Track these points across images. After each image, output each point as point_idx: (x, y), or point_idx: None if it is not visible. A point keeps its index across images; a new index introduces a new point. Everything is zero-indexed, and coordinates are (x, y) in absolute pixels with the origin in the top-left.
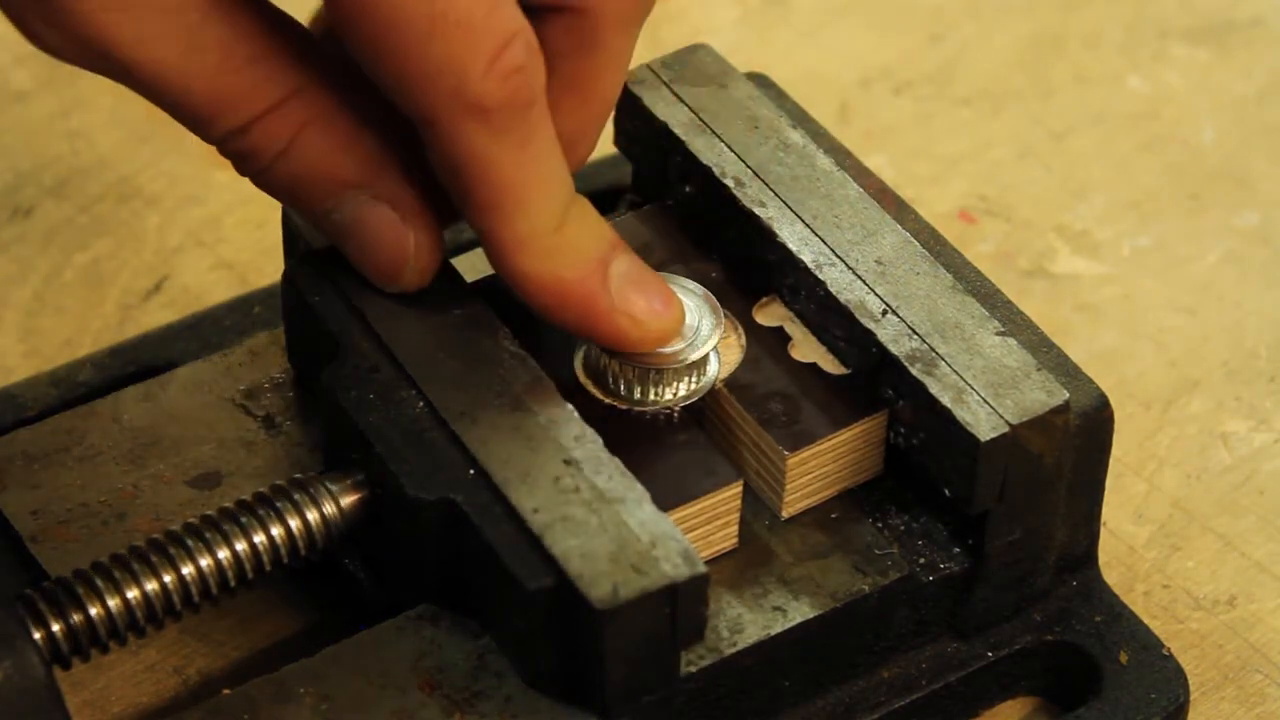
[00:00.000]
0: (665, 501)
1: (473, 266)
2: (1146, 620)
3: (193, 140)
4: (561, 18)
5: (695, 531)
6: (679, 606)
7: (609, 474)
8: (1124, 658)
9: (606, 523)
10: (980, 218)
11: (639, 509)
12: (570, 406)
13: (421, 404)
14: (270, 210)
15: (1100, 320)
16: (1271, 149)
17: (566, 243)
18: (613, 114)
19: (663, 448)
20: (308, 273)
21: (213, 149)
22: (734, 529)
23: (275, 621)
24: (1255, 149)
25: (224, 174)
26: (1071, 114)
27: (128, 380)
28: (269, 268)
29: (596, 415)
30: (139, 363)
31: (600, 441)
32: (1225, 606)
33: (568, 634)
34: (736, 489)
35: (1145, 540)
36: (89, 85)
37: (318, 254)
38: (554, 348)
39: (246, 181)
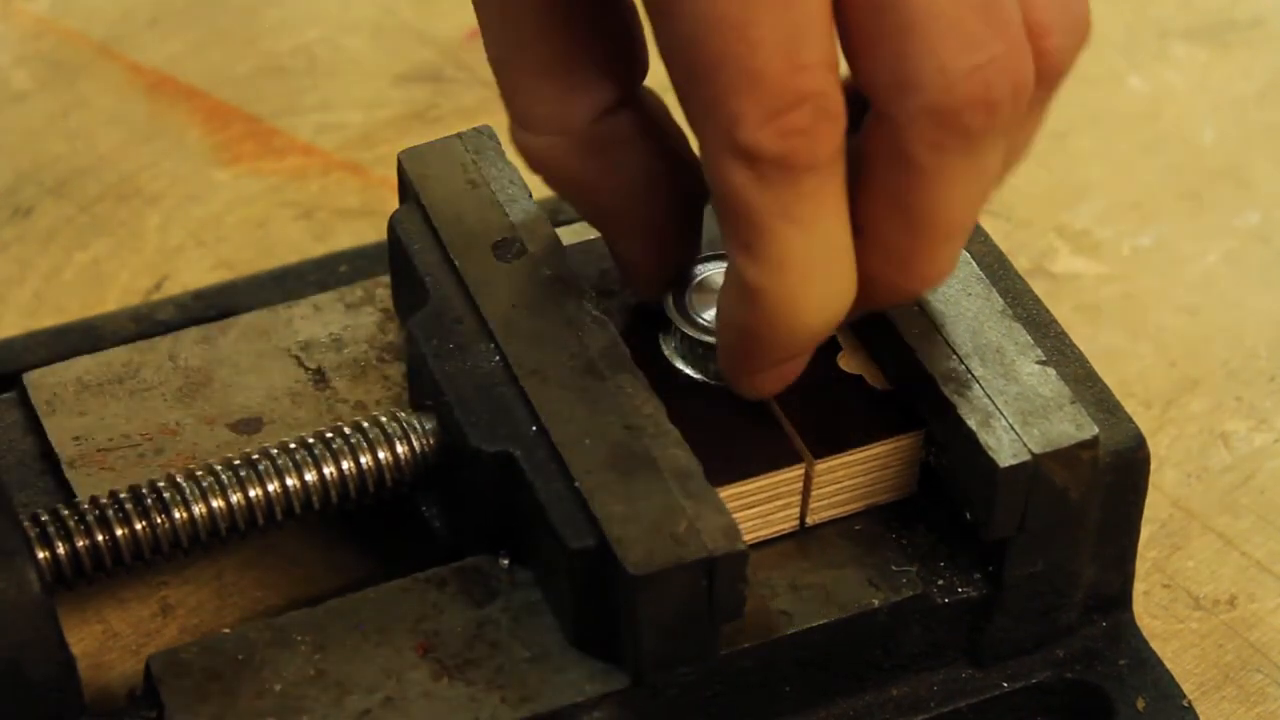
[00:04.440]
0: (724, 476)
1: (572, 231)
2: (1146, 620)
3: (193, 140)
4: (874, 119)
5: (753, 509)
6: (716, 581)
7: (666, 444)
8: (1141, 704)
9: (655, 491)
10: (980, 217)
11: (690, 481)
12: (640, 374)
13: (497, 358)
14: (270, 209)
15: (1100, 320)
16: (1272, 149)
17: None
18: None
19: (733, 424)
20: (411, 220)
21: (213, 148)
22: (795, 511)
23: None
24: (1255, 149)
25: (224, 174)
26: (1071, 114)
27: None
28: (269, 268)
29: (674, 385)
30: (220, 307)
31: (664, 411)
32: (1225, 606)
33: (606, 596)
34: (798, 471)
35: (1145, 540)
36: (89, 85)
37: (423, 204)
38: (643, 316)
39: (246, 181)
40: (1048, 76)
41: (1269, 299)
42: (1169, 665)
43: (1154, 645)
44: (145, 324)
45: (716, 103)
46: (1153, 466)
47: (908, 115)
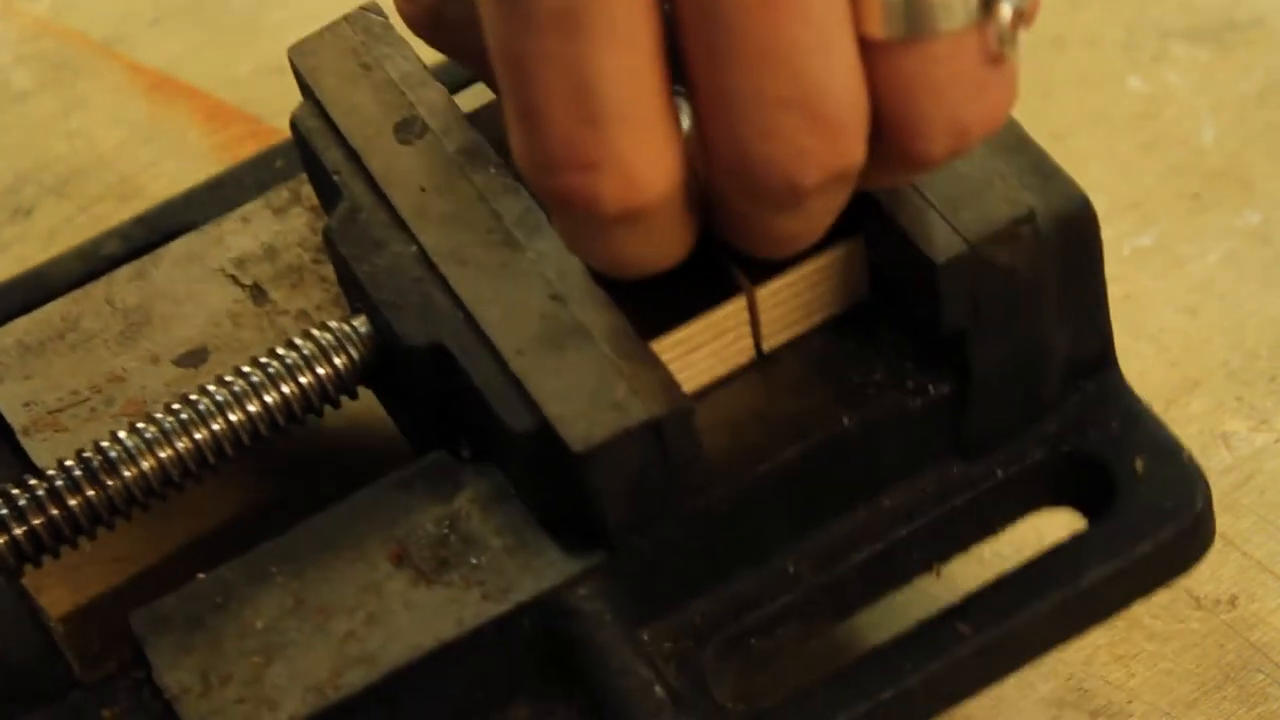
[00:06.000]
0: (665, 322)
1: (477, 97)
2: (1147, 620)
3: (193, 140)
4: None
5: (704, 349)
6: (666, 440)
7: (594, 307)
8: (1140, 465)
9: (588, 360)
10: None
11: (622, 342)
12: (560, 239)
13: (414, 248)
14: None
15: None
16: (1272, 149)
17: None
18: None
19: None
20: (310, 117)
21: (213, 148)
22: (748, 342)
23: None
24: (1256, 149)
25: None
26: (1071, 114)
27: (155, 249)
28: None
29: None
30: (163, 230)
31: (587, 273)
32: (1226, 606)
33: (558, 473)
34: (740, 302)
35: None
36: (89, 85)
37: (318, 99)
38: None
39: None
40: (919, 164)
41: (1269, 299)
42: (1169, 665)
43: (1154, 645)
44: (91, 261)
45: (507, 127)
46: None
47: (715, 174)
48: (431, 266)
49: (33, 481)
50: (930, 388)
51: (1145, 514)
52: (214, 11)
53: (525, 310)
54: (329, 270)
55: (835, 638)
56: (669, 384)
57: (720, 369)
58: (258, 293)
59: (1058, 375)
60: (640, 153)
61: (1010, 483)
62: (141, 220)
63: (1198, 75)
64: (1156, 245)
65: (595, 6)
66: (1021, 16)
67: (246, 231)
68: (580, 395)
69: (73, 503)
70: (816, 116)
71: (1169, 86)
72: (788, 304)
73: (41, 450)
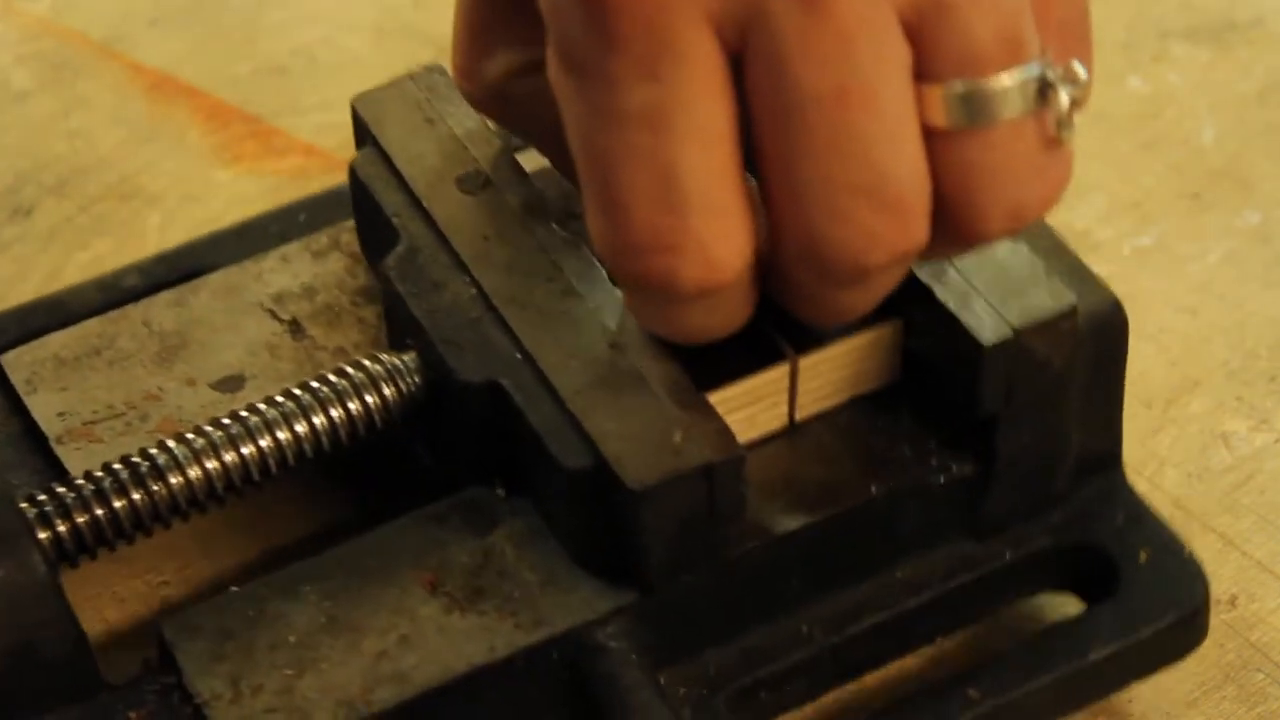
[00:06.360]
0: (710, 381)
1: (534, 157)
2: None
3: (193, 140)
4: None
5: (742, 411)
6: (716, 487)
7: (651, 357)
8: (1144, 557)
9: (646, 405)
10: None
11: (679, 391)
12: (618, 292)
13: (474, 290)
14: (272, 209)
15: None
16: (1272, 149)
17: None
18: None
19: None
20: (372, 164)
21: (213, 148)
22: (783, 409)
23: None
24: (1256, 149)
25: (224, 173)
26: None
27: (173, 287)
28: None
29: None
30: (183, 269)
31: None
32: (1226, 606)
33: (608, 514)
34: (783, 369)
35: None
36: (89, 85)
37: (382, 146)
38: None
39: (246, 181)
40: (977, 242)
41: (1269, 299)
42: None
43: None
44: (110, 292)
45: (587, 211)
46: (1154, 466)
47: (782, 251)
48: (491, 307)
49: (79, 481)
50: (953, 467)
51: (1149, 600)
52: (214, 11)
53: (584, 355)
54: (367, 313)
55: (844, 697)
56: (724, 432)
57: (754, 433)
58: (295, 328)
59: (1070, 468)
60: (719, 237)
61: (1017, 565)
62: (163, 259)
63: (1198, 75)
64: (1156, 245)
65: (680, 104)
66: (1076, 103)
67: (286, 270)
68: (637, 437)
69: (117, 504)
70: (885, 202)
71: (1169, 86)
72: (826, 376)
73: (76, 459)
